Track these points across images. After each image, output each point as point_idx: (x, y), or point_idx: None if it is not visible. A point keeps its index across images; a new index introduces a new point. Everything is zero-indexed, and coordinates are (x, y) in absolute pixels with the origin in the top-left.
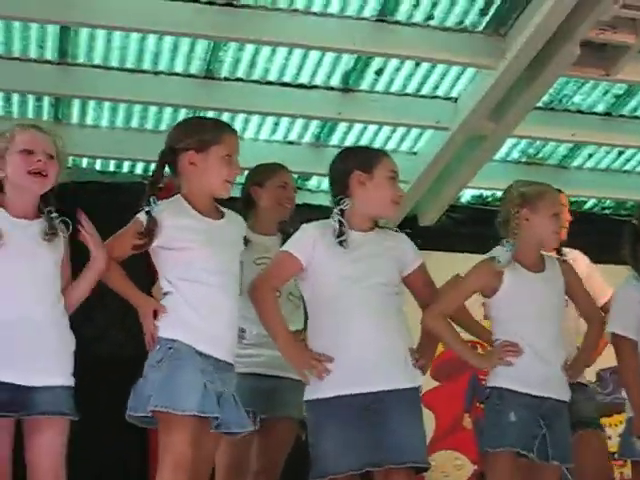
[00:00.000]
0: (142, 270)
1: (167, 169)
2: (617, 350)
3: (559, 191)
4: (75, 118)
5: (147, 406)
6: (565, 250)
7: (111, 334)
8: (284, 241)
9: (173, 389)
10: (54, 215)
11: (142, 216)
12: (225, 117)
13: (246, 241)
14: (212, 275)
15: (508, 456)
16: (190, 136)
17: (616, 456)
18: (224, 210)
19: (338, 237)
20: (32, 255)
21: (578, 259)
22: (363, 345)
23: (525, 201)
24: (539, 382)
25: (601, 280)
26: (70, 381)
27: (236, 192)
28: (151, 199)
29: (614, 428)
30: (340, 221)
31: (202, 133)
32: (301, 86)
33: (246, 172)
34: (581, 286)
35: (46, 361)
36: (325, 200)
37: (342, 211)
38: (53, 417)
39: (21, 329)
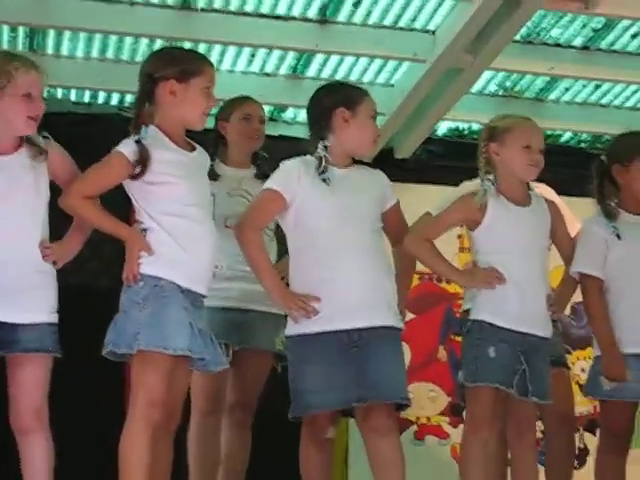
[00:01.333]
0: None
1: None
2: (583, 289)
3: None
4: (50, 48)
5: (132, 343)
6: (532, 184)
7: (86, 264)
8: (258, 173)
9: (162, 328)
10: (32, 136)
11: (127, 148)
12: (201, 48)
13: (216, 175)
14: (193, 208)
15: (488, 390)
16: (171, 65)
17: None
18: (193, 143)
19: (322, 173)
20: (11, 194)
21: (545, 193)
22: (349, 281)
23: (493, 135)
24: (521, 317)
25: (570, 214)
26: (54, 318)
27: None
28: (142, 128)
29: (587, 361)
30: (325, 157)
31: (184, 63)
32: (278, 17)
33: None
34: (565, 228)
35: (30, 298)
36: (301, 132)
37: (325, 147)
38: (37, 354)
39: (3, 268)
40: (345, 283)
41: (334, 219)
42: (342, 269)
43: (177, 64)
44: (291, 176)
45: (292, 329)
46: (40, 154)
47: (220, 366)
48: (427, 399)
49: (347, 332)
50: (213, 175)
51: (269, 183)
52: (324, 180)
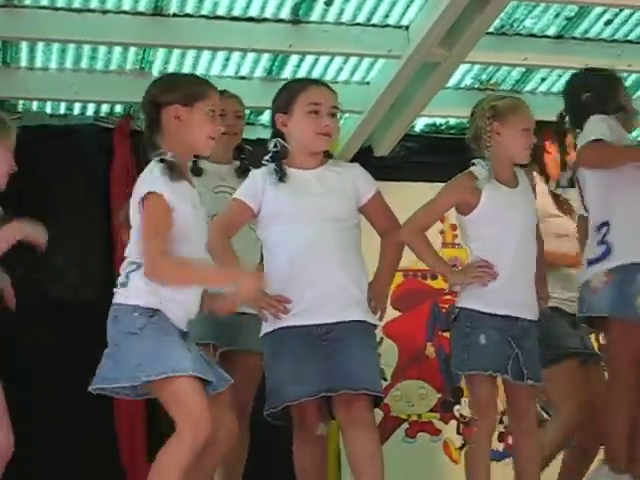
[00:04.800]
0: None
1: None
2: None
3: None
4: (24, 61)
5: (135, 374)
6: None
7: (68, 276)
8: (240, 168)
9: (166, 355)
10: None
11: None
12: (175, 54)
13: (200, 170)
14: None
15: (484, 377)
16: (174, 89)
17: None
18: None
19: (277, 176)
20: None
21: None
22: (318, 279)
23: (497, 114)
24: (512, 302)
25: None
26: None
27: None
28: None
29: None
30: (273, 160)
31: (187, 87)
32: (251, 19)
33: None
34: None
35: None
36: None
37: (276, 152)
38: None
39: None
40: (313, 282)
41: (299, 221)
42: (310, 268)
43: (180, 88)
44: (255, 185)
45: (265, 327)
46: None
47: (225, 382)
48: (417, 396)
49: (316, 326)
50: (197, 170)
51: (236, 193)
52: (281, 180)
